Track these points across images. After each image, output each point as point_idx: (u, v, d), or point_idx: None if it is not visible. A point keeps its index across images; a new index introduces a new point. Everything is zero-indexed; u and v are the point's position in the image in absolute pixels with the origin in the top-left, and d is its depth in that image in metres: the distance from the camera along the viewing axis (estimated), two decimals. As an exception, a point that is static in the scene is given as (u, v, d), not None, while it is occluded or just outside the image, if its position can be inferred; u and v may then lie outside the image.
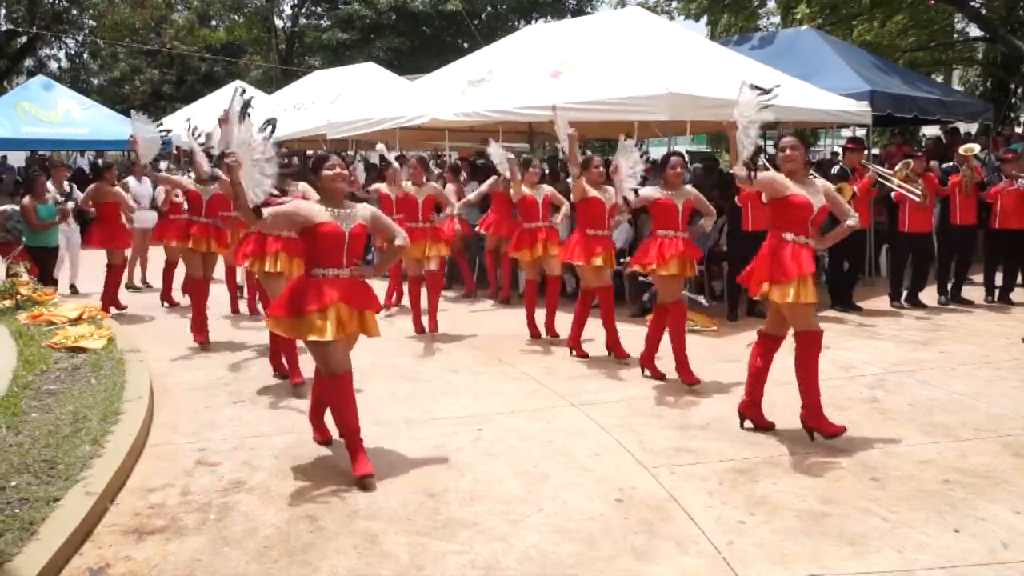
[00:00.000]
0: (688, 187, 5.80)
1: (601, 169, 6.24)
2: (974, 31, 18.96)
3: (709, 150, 21.38)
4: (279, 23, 32.44)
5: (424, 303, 7.34)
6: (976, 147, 8.88)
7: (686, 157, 6.56)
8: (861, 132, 12.01)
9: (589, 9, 29.73)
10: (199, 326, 6.84)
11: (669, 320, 5.67)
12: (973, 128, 14.29)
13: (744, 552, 3.34)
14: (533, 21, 28.77)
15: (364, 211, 4.20)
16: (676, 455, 4.42)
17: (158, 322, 7.61)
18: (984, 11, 16.93)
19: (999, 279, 8.82)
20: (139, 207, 10.12)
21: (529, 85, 9.17)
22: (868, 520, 3.62)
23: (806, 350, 4.45)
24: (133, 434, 4.38)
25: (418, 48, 27.03)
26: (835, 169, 8.63)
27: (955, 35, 20.47)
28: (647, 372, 5.89)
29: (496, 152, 7.52)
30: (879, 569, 3.21)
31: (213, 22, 30.00)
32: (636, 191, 5.68)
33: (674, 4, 20.08)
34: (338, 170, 4.12)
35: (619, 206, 5.99)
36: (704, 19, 20.36)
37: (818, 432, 4.48)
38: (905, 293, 8.49)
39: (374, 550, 3.36)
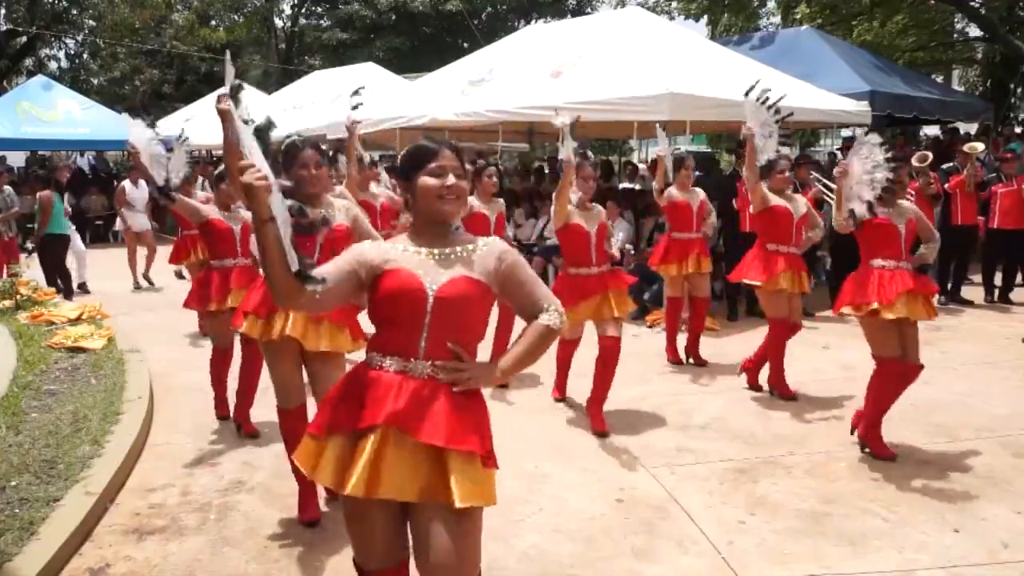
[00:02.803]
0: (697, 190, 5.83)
1: (787, 175, 5.49)
2: (974, 31, 18.96)
3: (709, 150, 21.37)
4: (279, 23, 32.45)
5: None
6: (980, 146, 8.88)
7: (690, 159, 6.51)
8: (860, 132, 11.99)
9: (589, 9, 29.71)
10: (221, 402, 5.11)
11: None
12: (973, 128, 14.28)
13: (744, 552, 3.34)
14: (533, 21, 28.74)
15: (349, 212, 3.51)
16: (677, 455, 4.42)
17: (159, 322, 7.61)
18: (984, 11, 16.92)
19: (999, 279, 8.82)
20: (134, 211, 10.20)
21: (529, 85, 9.17)
22: (868, 520, 3.62)
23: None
24: (133, 434, 4.39)
25: (418, 48, 27.01)
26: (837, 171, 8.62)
27: (955, 35, 20.46)
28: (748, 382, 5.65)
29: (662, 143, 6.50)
30: (879, 569, 3.21)
31: (213, 22, 29.97)
32: (870, 204, 4.25)
33: (674, 4, 20.11)
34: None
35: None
36: (704, 19, 20.39)
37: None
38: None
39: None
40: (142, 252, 10.24)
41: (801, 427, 4.88)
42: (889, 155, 4.25)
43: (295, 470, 3.47)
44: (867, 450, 4.42)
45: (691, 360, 6.28)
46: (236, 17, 30.42)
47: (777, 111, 5.28)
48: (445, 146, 2.20)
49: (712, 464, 4.29)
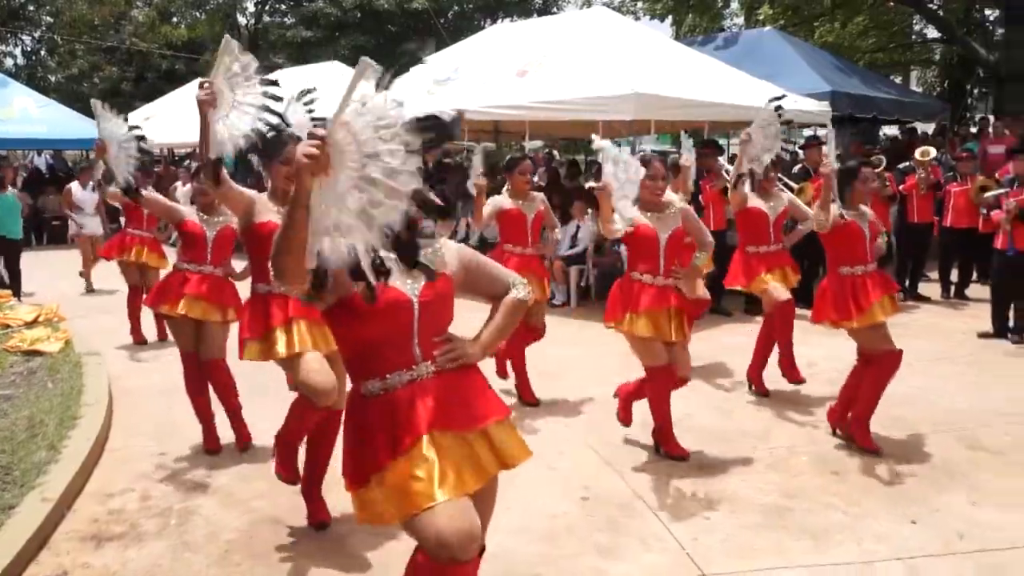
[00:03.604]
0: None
1: (772, 176, 5.47)
2: (932, 33, 19.35)
3: (674, 150, 21.56)
4: (242, 20, 32.06)
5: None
6: (932, 151, 9.07)
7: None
8: (822, 132, 12.18)
9: (555, 9, 29.78)
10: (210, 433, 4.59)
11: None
12: (930, 128, 14.58)
13: (708, 548, 3.37)
14: (499, 20, 28.73)
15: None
16: (642, 453, 4.45)
17: (117, 324, 7.47)
18: (942, 13, 17.29)
19: (954, 275, 9.02)
20: (83, 214, 9.87)
21: (495, 84, 9.17)
22: (829, 514, 3.68)
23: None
24: (91, 438, 4.31)
25: (383, 47, 26.85)
26: (796, 168, 8.75)
27: (913, 37, 20.87)
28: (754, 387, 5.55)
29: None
30: (839, 561, 3.26)
31: (175, 19, 29.53)
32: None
33: (639, 4, 20.27)
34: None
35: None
36: (669, 19, 20.55)
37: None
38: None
39: (340, 552, 3.33)
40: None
41: (764, 423, 4.94)
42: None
43: (282, 446, 3.48)
44: (842, 440, 4.55)
45: None
46: (198, 14, 30.00)
47: (788, 123, 5.37)
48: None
49: (676, 462, 4.32)
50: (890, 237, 8.17)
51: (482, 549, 2.22)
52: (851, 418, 4.51)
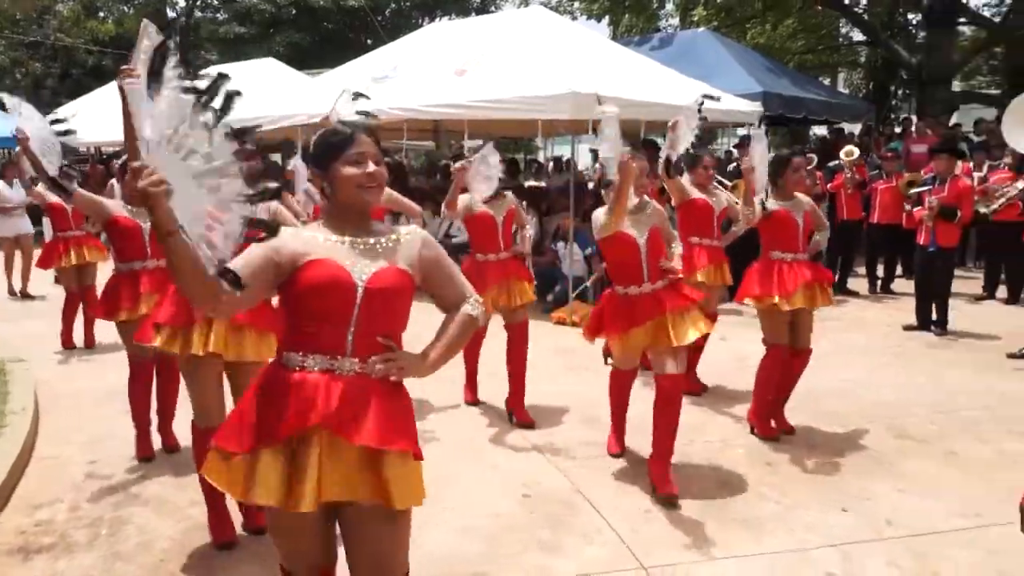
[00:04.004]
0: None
1: (711, 171, 5.51)
2: (858, 36, 19.99)
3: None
4: (172, 15, 31.22)
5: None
6: (855, 151, 9.39)
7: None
8: (756, 131, 12.47)
9: (493, 8, 29.81)
10: (144, 439, 4.45)
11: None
12: (857, 128, 15.05)
13: (647, 540, 3.42)
14: (437, 19, 28.62)
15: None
16: (582, 448, 4.50)
17: (44, 330, 7.21)
18: (866, 17, 17.87)
19: (881, 271, 9.36)
20: (10, 214, 9.48)
21: (434, 83, 9.13)
22: (763, 504, 3.78)
23: None
24: (17, 448, 4.16)
25: (320, 44, 26.48)
26: (731, 167, 8.95)
27: (840, 39, 21.51)
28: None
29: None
30: (774, 550, 3.34)
31: (101, 13, 28.58)
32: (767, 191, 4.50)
33: (576, 4, 20.42)
34: None
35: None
36: (606, 20, 20.77)
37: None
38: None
39: (276, 558, 3.27)
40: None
41: (699, 417, 5.04)
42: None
43: (207, 490, 3.33)
44: (755, 432, 4.66)
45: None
46: (126, 9, 29.11)
47: (703, 119, 5.40)
48: (361, 130, 2.08)
49: (616, 456, 4.37)
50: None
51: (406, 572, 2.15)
52: (751, 406, 4.72)
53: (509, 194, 5.08)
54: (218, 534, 3.39)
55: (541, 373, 5.86)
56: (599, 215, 3.85)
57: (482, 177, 4.83)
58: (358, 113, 3.60)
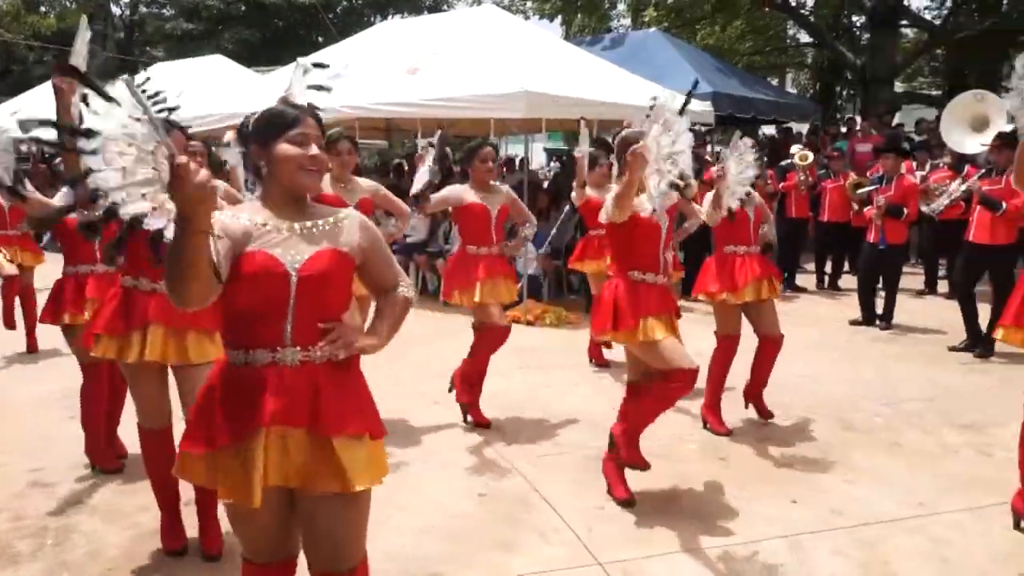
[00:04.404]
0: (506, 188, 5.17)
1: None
2: (804, 37, 20.38)
3: (567, 147, 21.90)
4: (116, 10, 30.46)
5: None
6: (810, 155, 9.60)
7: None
8: (737, 137, 12.67)
9: (445, 6, 29.72)
10: (95, 446, 4.25)
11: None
12: (804, 128, 15.36)
13: (604, 537, 3.45)
14: (390, 16, 28.43)
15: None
16: (538, 447, 4.51)
17: (-17, 333, 6.99)
18: (813, 19, 18.26)
19: (829, 267, 9.58)
20: None
21: (386, 81, 9.08)
22: (717, 498, 3.84)
23: None
24: (-46, 457, 4.01)
25: (270, 41, 26.09)
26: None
27: (788, 41, 21.93)
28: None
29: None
30: (728, 543, 3.40)
31: (42, 8, 27.76)
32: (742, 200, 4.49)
33: (529, 4, 20.46)
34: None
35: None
36: (559, 19, 20.85)
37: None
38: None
39: (229, 564, 3.22)
40: None
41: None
42: (757, 157, 4.51)
43: (162, 494, 3.27)
44: (708, 427, 4.75)
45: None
46: (68, 3, 28.31)
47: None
48: (307, 113, 2.06)
49: (572, 454, 4.40)
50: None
51: (353, 568, 2.11)
52: (704, 399, 4.83)
53: (505, 187, 4.91)
54: (169, 541, 3.31)
55: (495, 372, 5.86)
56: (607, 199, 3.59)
57: (425, 169, 4.64)
58: (310, 88, 3.48)
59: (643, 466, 3.68)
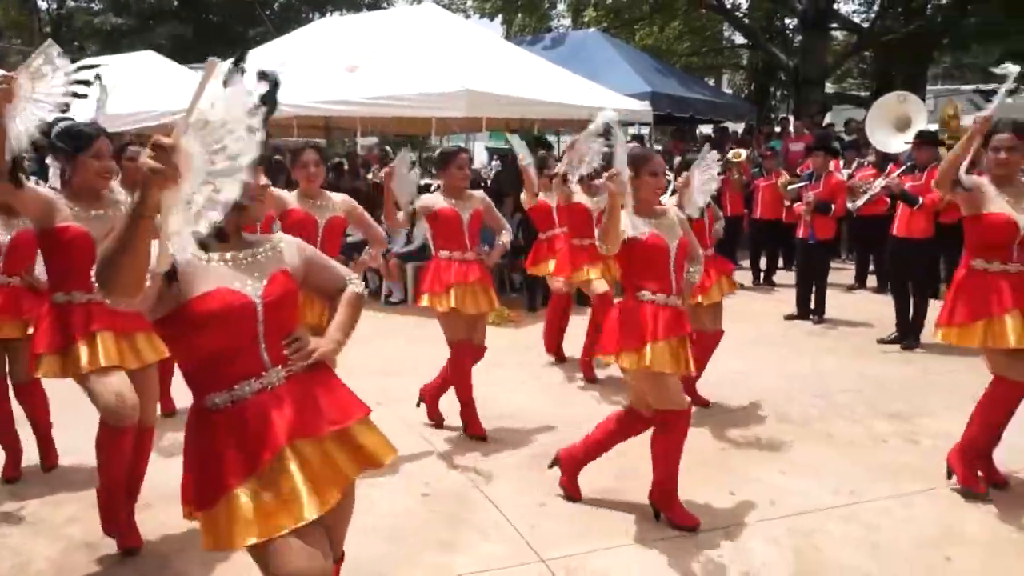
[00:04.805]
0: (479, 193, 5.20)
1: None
2: (739, 39, 20.81)
3: (508, 146, 21.96)
4: (43, 5, 29.40)
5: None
6: (743, 152, 9.81)
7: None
8: (645, 130, 12.84)
9: (385, 4, 29.47)
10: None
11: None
12: (740, 127, 15.69)
13: (546, 534, 3.47)
14: (328, 14, 28.05)
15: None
16: (481, 445, 4.51)
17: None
18: (747, 21, 18.67)
19: (763, 263, 9.81)
20: None
21: (324, 79, 8.96)
22: (657, 492, 3.89)
23: None
24: None
25: (204, 37, 25.49)
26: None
27: (724, 42, 22.38)
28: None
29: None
30: (667, 536, 3.46)
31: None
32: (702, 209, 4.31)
33: (469, 3, 20.44)
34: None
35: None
36: (499, 18, 20.89)
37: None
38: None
39: (164, 572, 3.15)
40: None
41: (598, 410, 5.13)
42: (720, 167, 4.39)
43: (107, 493, 3.21)
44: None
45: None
46: (-10, -3, 27.23)
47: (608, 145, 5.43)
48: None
49: (514, 452, 4.42)
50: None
51: (342, 556, 2.21)
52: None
53: (479, 193, 4.81)
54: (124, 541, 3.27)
55: (436, 369, 5.85)
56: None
57: (406, 182, 4.49)
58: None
59: (694, 524, 3.51)
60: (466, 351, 4.60)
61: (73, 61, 3.15)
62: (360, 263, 4.33)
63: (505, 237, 4.80)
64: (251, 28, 26.27)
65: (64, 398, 4.21)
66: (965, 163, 3.67)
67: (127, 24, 25.66)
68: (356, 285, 2.31)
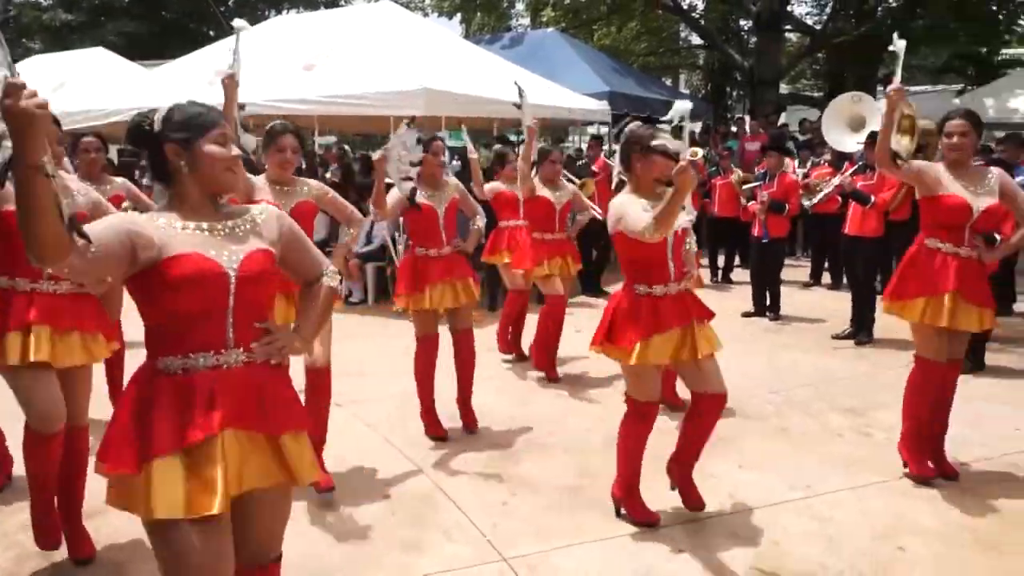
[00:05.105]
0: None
1: (558, 166, 5.89)
2: (696, 39, 21.07)
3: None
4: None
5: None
6: (700, 151, 9.92)
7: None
8: (604, 129, 12.93)
9: (343, 2, 29.21)
10: None
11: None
12: (697, 127, 15.87)
13: (508, 532, 3.48)
14: (285, 11, 27.73)
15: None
16: (442, 446, 4.50)
17: None
18: (703, 22, 18.89)
19: (721, 261, 9.95)
20: None
21: (281, 77, 8.85)
22: (618, 489, 3.92)
23: None
24: None
25: (157, 34, 25.02)
26: (580, 163, 9.23)
27: (680, 43, 22.62)
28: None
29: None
30: (628, 532, 3.49)
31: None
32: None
33: (427, 1, 20.37)
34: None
35: None
36: (458, 17, 20.86)
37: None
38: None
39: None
40: None
41: (559, 407, 5.17)
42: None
43: (39, 497, 3.12)
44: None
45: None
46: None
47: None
48: (222, 115, 2.07)
49: (476, 451, 4.42)
50: None
51: (279, 556, 2.17)
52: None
53: (452, 180, 4.68)
54: (46, 541, 3.20)
55: (396, 371, 5.82)
56: (630, 209, 3.23)
57: (402, 167, 4.19)
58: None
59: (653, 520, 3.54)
60: (432, 346, 4.57)
61: (21, 59, 3.07)
62: (342, 247, 4.17)
63: (480, 221, 4.74)
64: (205, 25, 25.87)
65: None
66: (895, 136, 3.85)
67: (76, 20, 25.08)
68: (331, 278, 2.24)
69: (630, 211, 3.21)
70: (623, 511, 3.62)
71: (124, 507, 1.93)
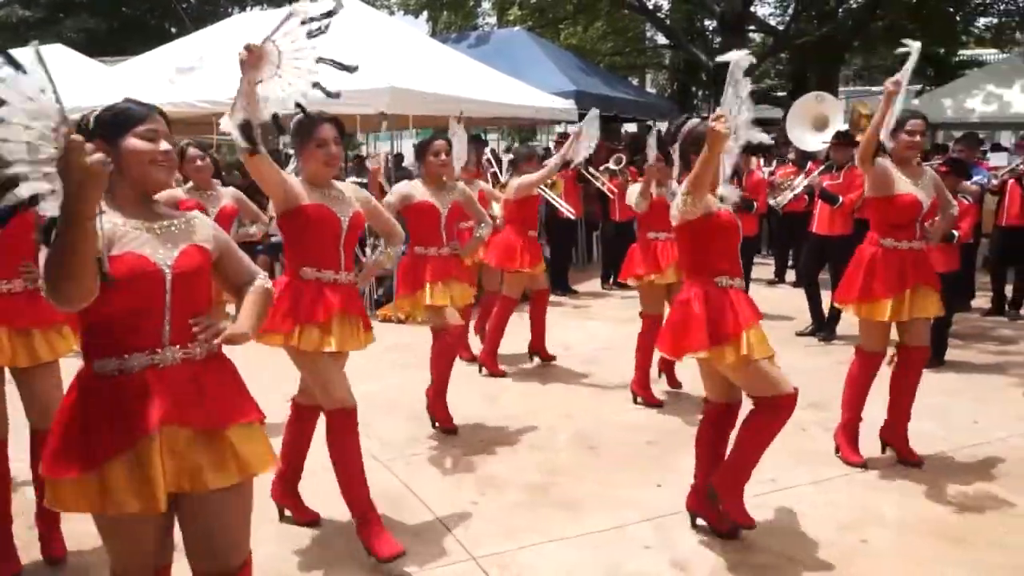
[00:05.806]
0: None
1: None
2: (661, 39, 21.19)
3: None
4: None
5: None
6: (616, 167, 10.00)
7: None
8: (572, 128, 12.96)
9: (307, -1, 28.92)
10: None
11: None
12: (664, 126, 15.99)
13: (477, 532, 3.47)
14: (247, 8, 27.39)
15: None
16: (410, 445, 4.48)
17: None
18: (669, 22, 19.02)
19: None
20: None
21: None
22: (585, 486, 3.93)
23: None
24: None
25: (117, 30, 24.57)
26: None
27: (646, 42, 22.75)
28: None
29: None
30: (595, 529, 3.49)
31: None
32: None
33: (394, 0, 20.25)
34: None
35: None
36: (424, 15, 20.76)
37: None
38: (613, 276, 9.35)
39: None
40: None
41: (526, 406, 5.17)
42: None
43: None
44: (640, 401, 5.19)
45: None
46: None
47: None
48: (155, 111, 2.04)
49: (444, 451, 4.40)
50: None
51: (248, 560, 2.12)
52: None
53: (460, 184, 4.63)
54: (4, 567, 3.08)
55: (369, 371, 5.77)
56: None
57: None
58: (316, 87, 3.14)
59: (749, 524, 3.31)
60: (453, 335, 4.58)
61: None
62: (244, 234, 4.76)
63: (484, 230, 4.67)
64: (167, 22, 25.48)
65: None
66: (885, 129, 3.85)
67: (34, 16, 24.55)
68: (266, 280, 2.24)
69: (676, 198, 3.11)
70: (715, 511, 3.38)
71: (66, 508, 1.94)
